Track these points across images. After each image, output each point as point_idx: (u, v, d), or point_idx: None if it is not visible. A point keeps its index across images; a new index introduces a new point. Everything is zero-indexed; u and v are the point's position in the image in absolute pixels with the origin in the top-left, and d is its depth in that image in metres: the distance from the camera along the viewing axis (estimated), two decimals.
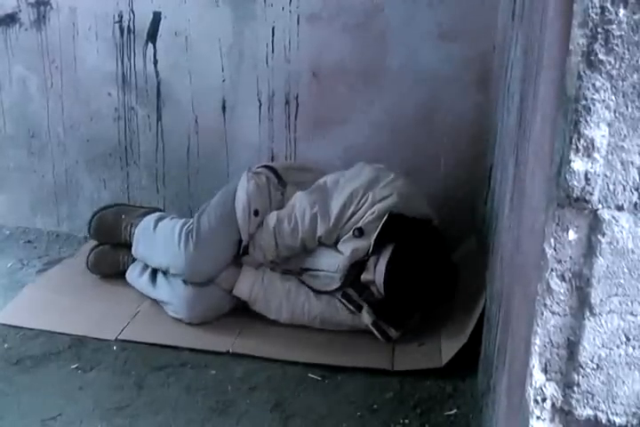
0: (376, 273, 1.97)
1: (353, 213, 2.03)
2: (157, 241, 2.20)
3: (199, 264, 2.11)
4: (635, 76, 0.73)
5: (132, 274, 2.27)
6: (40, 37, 2.51)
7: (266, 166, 2.24)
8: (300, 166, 2.30)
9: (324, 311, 2.06)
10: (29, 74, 2.57)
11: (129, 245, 2.29)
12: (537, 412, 0.84)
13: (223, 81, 2.44)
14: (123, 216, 2.34)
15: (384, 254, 1.96)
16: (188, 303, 2.10)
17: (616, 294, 0.79)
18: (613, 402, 0.82)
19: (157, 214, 2.32)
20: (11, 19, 2.50)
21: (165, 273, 2.19)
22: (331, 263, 2.07)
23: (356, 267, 2.04)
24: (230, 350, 1.97)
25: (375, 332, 2.01)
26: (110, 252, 2.34)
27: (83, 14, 2.46)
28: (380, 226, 1.96)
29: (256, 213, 2.11)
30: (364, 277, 2.01)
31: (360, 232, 2.01)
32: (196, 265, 2.11)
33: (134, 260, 2.29)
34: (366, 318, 2.02)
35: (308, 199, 2.08)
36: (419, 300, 2.00)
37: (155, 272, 2.21)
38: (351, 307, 2.04)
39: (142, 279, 2.23)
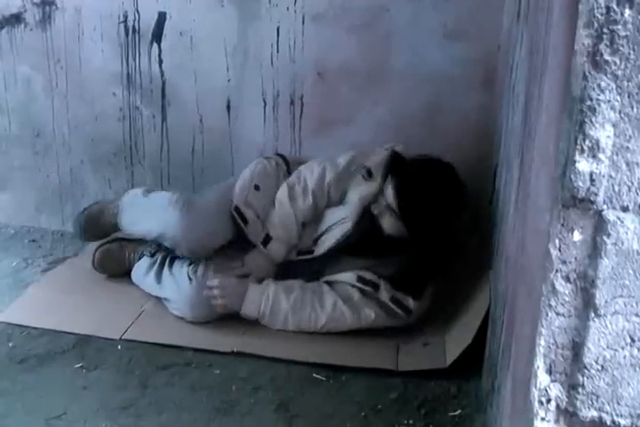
0: (386, 196, 2.03)
1: (361, 164, 2.13)
2: (149, 206, 2.23)
3: (192, 228, 2.13)
4: None
5: (138, 272, 2.28)
6: (45, 37, 2.51)
7: (279, 155, 2.34)
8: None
9: (330, 320, 2.05)
10: (34, 74, 2.58)
11: (135, 243, 2.31)
12: (541, 413, 0.84)
13: (228, 81, 2.45)
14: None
15: (392, 181, 2.02)
16: (192, 301, 2.09)
17: (621, 296, 0.78)
18: (618, 403, 0.82)
19: (144, 188, 2.37)
20: (16, 19, 2.51)
21: (163, 264, 2.21)
22: (340, 215, 2.12)
23: (366, 217, 2.07)
24: (235, 350, 1.97)
25: (394, 307, 2.02)
26: (116, 250, 2.35)
27: (88, 14, 2.46)
28: (384, 161, 2.07)
29: (257, 187, 2.19)
30: (375, 208, 2.05)
31: (369, 173, 2.09)
32: (188, 228, 2.12)
33: (140, 258, 2.30)
34: (384, 295, 2.03)
35: (316, 161, 2.21)
36: (433, 217, 2.01)
37: (160, 270, 2.21)
38: (368, 288, 2.04)
39: (148, 277, 2.23)
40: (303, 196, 2.14)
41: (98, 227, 2.37)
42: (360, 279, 2.06)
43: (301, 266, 2.18)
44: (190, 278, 2.12)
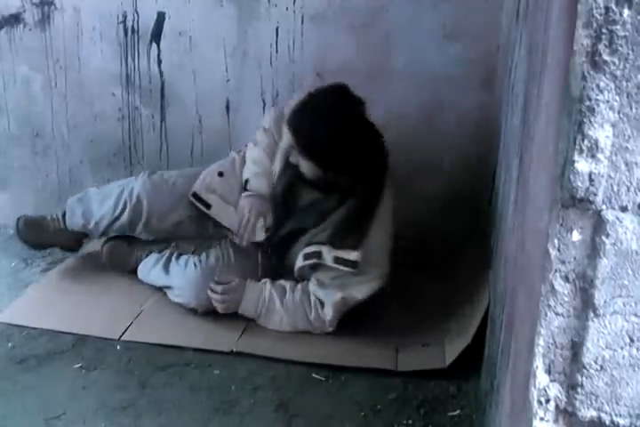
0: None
1: None
2: (109, 189, 2.31)
3: (156, 186, 2.25)
4: (639, 76, 0.73)
5: (144, 268, 2.31)
6: (44, 37, 2.51)
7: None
8: None
9: (316, 320, 2.06)
10: (34, 74, 2.57)
11: (143, 242, 2.36)
12: (540, 413, 0.84)
13: (227, 81, 2.45)
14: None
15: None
16: (197, 286, 2.11)
17: (620, 295, 0.78)
18: (617, 403, 0.82)
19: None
20: (15, 19, 2.51)
21: (171, 259, 2.26)
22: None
23: (289, 169, 2.09)
24: (234, 350, 1.97)
25: (340, 267, 2.00)
26: (123, 246, 2.37)
27: (87, 14, 2.46)
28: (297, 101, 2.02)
29: (220, 173, 2.23)
30: (292, 157, 2.05)
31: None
32: (153, 187, 2.25)
33: (147, 255, 2.32)
34: (328, 259, 2.01)
35: None
36: (333, 141, 1.92)
37: (168, 263, 2.25)
38: (314, 260, 2.03)
39: (155, 269, 2.26)
40: (265, 135, 2.20)
41: (41, 234, 2.39)
42: (305, 257, 2.06)
43: (267, 250, 2.22)
44: (195, 265, 2.17)
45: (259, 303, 2.07)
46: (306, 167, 2.02)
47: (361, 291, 2.03)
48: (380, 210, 2.04)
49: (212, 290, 2.08)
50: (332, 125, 1.90)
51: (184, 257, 2.25)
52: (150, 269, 2.28)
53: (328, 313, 2.04)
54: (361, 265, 1.99)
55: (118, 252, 2.36)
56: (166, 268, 2.24)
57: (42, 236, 2.39)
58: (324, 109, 1.93)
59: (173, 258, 2.26)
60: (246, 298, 2.07)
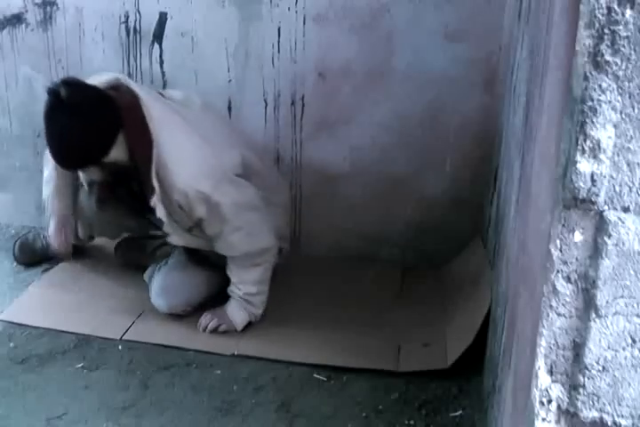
0: None
1: None
2: None
3: None
4: None
5: (148, 273, 2.30)
6: (46, 38, 2.51)
7: None
8: None
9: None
10: (35, 74, 2.57)
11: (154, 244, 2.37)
12: (542, 413, 0.84)
13: (229, 81, 2.44)
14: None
15: None
16: (158, 290, 2.13)
17: (622, 296, 0.78)
18: (619, 404, 0.82)
19: None
20: (17, 19, 2.51)
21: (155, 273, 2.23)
22: None
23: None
24: (235, 353, 1.97)
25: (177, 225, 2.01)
26: (135, 243, 2.41)
27: (89, 14, 2.46)
28: None
29: None
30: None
31: None
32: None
33: (153, 256, 2.34)
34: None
35: None
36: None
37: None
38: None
39: (152, 281, 2.25)
40: None
41: (33, 251, 2.45)
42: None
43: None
44: (156, 275, 2.18)
45: (244, 306, 2.06)
46: (87, 173, 2.07)
47: (222, 241, 2.01)
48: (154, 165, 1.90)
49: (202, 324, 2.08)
50: (64, 135, 1.86)
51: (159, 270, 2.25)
52: (149, 283, 2.25)
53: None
54: (186, 220, 1.98)
55: (130, 250, 2.41)
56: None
57: (33, 256, 2.46)
58: (53, 125, 1.87)
59: (155, 272, 2.23)
60: (232, 315, 2.06)
